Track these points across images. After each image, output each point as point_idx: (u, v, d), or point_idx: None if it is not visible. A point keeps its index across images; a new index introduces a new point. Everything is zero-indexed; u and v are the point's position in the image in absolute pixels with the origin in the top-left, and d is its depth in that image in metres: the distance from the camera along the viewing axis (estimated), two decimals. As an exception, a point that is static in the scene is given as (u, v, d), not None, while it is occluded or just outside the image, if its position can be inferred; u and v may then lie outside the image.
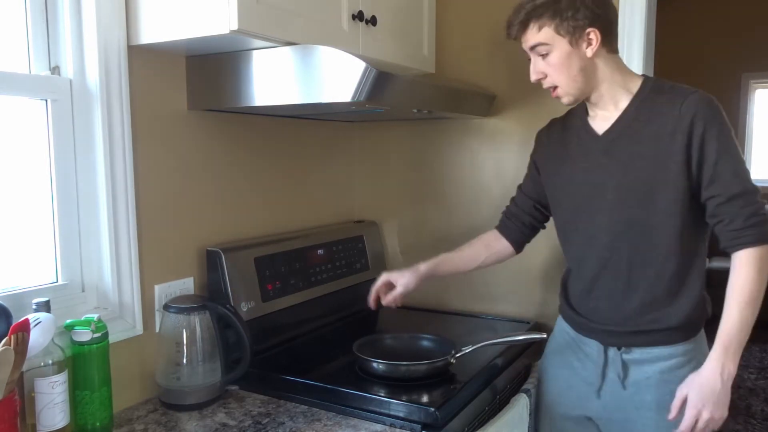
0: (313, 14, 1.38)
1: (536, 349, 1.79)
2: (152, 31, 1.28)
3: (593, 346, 1.42)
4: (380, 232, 2.13)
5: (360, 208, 2.18)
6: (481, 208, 1.95)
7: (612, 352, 1.39)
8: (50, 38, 1.25)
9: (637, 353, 1.37)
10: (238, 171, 1.65)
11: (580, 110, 1.44)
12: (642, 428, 1.36)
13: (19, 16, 1.21)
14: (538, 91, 1.82)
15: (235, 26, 1.18)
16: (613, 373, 1.39)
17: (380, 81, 1.26)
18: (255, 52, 1.35)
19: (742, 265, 1.23)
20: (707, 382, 1.24)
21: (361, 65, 1.23)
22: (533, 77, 1.34)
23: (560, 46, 1.28)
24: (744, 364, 3.98)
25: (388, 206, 2.13)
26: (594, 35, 1.28)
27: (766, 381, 3.73)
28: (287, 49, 1.31)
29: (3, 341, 1.00)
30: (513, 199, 1.64)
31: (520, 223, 1.60)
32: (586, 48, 1.29)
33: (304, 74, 1.30)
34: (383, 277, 1.57)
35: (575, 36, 1.28)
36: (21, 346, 1.01)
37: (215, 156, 1.58)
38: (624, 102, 1.34)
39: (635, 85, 1.34)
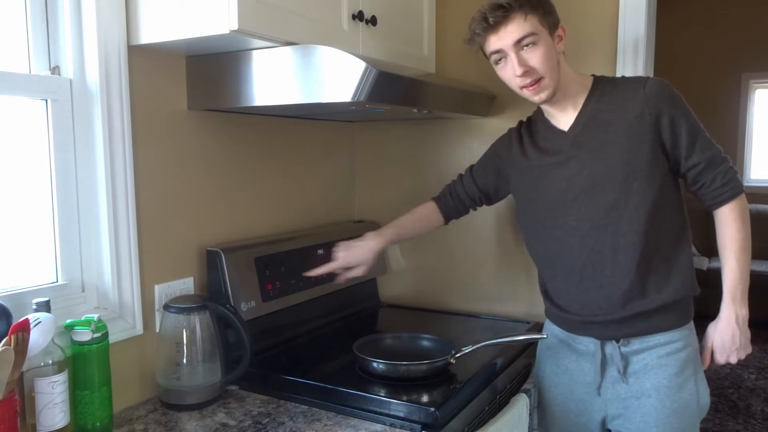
0: (313, 14, 1.38)
1: (536, 349, 1.79)
2: (152, 31, 1.28)
3: (589, 344, 1.43)
4: (380, 232, 2.13)
5: (360, 208, 2.18)
6: (481, 207, 1.95)
7: (610, 347, 1.40)
8: (50, 38, 1.25)
9: (636, 343, 1.38)
10: (238, 171, 1.65)
11: (538, 116, 1.50)
12: (642, 417, 1.37)
13: (19, 16, 1.21)
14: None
15: (235, 26, 1.18)
16: (613, 368, 1.40)
17: (380, 81, 1.26)
18: (255, 52, 1.35)
19: (728, 218, 1.35)
20: (727, 331, 1.36)
21: (361, 65, 1.23)
22: (519, 70, 1.30)
23: (544, 36, 1.30)
24: (744, 364, 3.98)
25: (388, 206, 2.12)
26: (563, 32, 1.36)
27: (766, 381, 3.73)
28: (287, 49, 1.31)
29: (3, 341, 1.00)
30: (461, 179, 1.68)
31: (461, 204, 1.68)
32: (558, 43, 1.34)
33: (304, 74, 1.30)
34: (342, 262, 1.62)
35: (552, 30, 1.32)
36: (21, 346, 1.01)
37: (215, 156, 1.58)
38: (581, 98, 1.39)
39: (588, 82, 1.40)
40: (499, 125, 1.90)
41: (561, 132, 1.41)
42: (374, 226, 2.09)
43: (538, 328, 1.84)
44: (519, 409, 1.46)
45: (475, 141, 1.95)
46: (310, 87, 1.30)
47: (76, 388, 1.19)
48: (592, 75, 1.42)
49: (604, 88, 1.38)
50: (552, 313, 1.51)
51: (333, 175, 2.06)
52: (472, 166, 1.66)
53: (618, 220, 1.34)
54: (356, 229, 2.01)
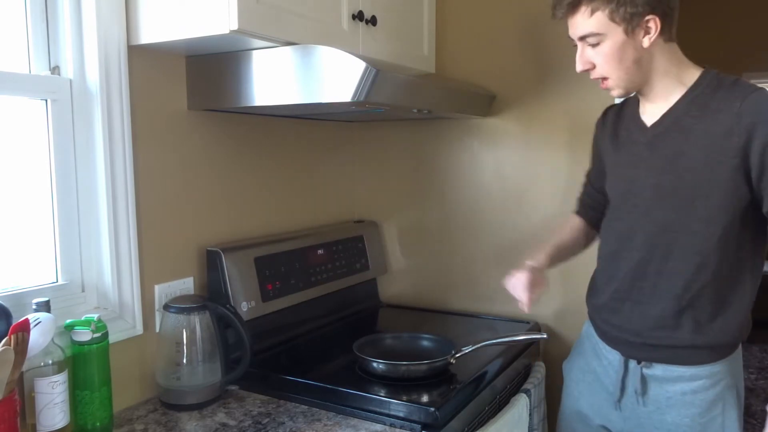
0: (313, 14, 1.38)
1: (536, 349, 1.79)
2: (152, 31, 1.28)
3: (615, 355, 1.36)
4: (380, 232, 2.13)
5: (360, 208, 2.18)
6: (481, 207, 1.95)
7: (632, 364, 1.32)
8: (50, 38, 1.25)
9: (659, 369, 1.29)
10: (238, 171, 1.65)
11: (633, 99, 1.35)
12: None
13: (19, 16, 1.21)
14: (537, 91, 1.83)
15: (235, 26, 1.18)
16: (631, 386, 1.33)
17: (380, 81, 1.26)
18: (255, 52, 1.35)
19: None
20: None
21: (361, 65, 1.23)
22: (579, 67, 1.22)
23: (614, 35, 1.16)
24: (744, 364, 3.97)
25: (388, 206, 2.13)
26: (653, 23, 1.16)
27: (766, 381, 3.73)
28: (287, 49, 1.31)
29: (3, 341, 1.00)
30: (585, 190, 1.55)
31: (599, 212, 1.48)
32: (643, 37, 1.17)
33: (304, 74, 1.30)
34: (524, 283, 1.37)
35: (632, 24, 1.15)
36: (21, 346, 1.01)
37: (215, 156, 1.58)
38: (676, 95, 1.22)
39: (691, 78, 1.22)
40: (499, 125, 1.91)
41: (643, 127, 1.28)
42: (374, 226, 2.10)
43: (538, 327, 1.84)
44: (519, 409, 1.47)
45: (475, 141, 1.95)
46: (310, 87, 1.30)
47: (76, 388, 1.19)
48: (704, 67, 1.24)
49: (704, 88, 1.20)
50: (590, 313, 1.46)
51: (333, 174, 2.06)
52: (588, 173, 1.53)
53: (671, 243, 1.22)
54: (356, 229, 2.01)
